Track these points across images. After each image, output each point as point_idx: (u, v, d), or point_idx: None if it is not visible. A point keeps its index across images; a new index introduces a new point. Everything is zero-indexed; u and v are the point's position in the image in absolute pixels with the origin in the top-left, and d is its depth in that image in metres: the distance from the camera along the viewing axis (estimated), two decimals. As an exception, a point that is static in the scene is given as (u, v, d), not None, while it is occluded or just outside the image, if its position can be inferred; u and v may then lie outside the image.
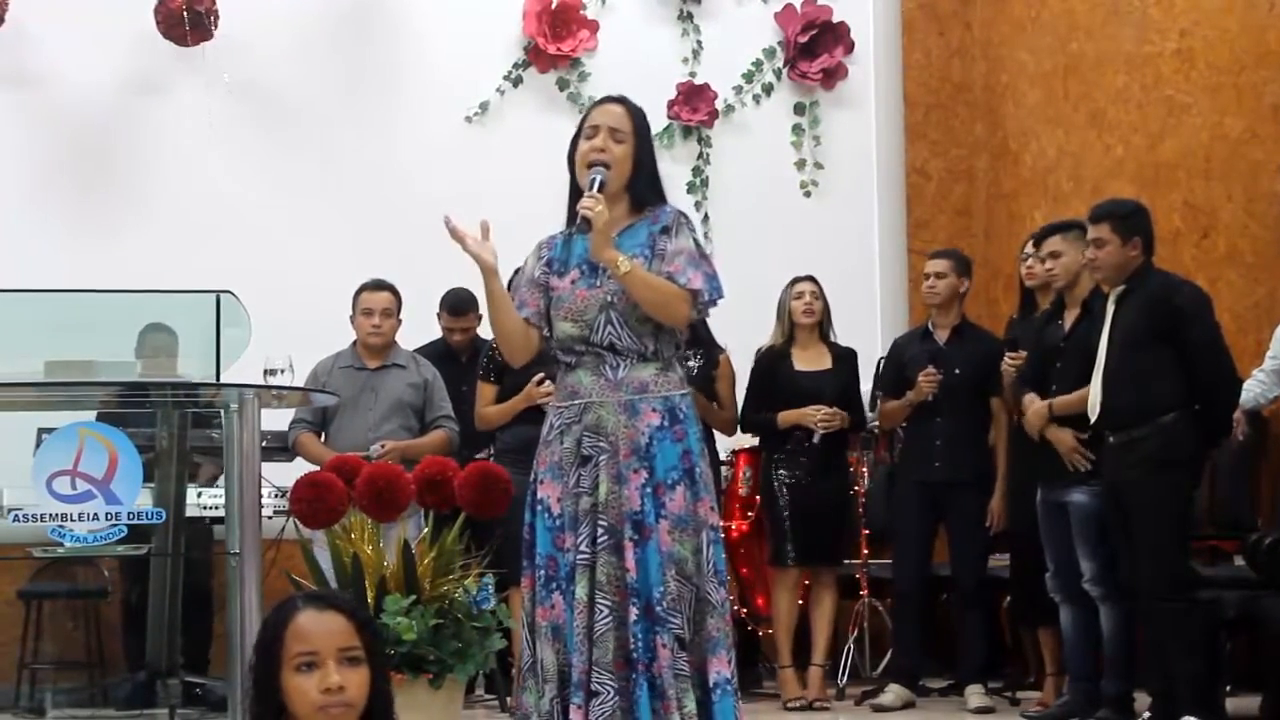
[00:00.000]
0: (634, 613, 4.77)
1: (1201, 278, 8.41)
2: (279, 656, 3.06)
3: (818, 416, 8.38)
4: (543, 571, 4.92)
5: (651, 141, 5.22)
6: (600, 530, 4.85)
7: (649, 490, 4.87)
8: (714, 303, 5.11)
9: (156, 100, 9.87)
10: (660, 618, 4.79)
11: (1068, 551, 7.41)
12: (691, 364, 8.45)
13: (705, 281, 5.02)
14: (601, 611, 4.79)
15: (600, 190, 4.95)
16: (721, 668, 4.87)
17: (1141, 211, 7.24)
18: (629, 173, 5.09)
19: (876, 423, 8.83)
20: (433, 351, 8.88)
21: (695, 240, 5.09)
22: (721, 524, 5.10)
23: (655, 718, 4.77)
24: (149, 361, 6.40)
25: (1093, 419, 7.13)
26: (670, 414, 4.97)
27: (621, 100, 5.24)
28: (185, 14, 9.48)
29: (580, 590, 4.81)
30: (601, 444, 4.93)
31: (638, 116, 5.17)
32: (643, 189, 5.12)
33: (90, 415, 6.66)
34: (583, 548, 4.85)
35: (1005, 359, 7.98)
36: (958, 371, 8.37)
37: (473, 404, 8.44)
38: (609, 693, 4.75)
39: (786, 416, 8.47)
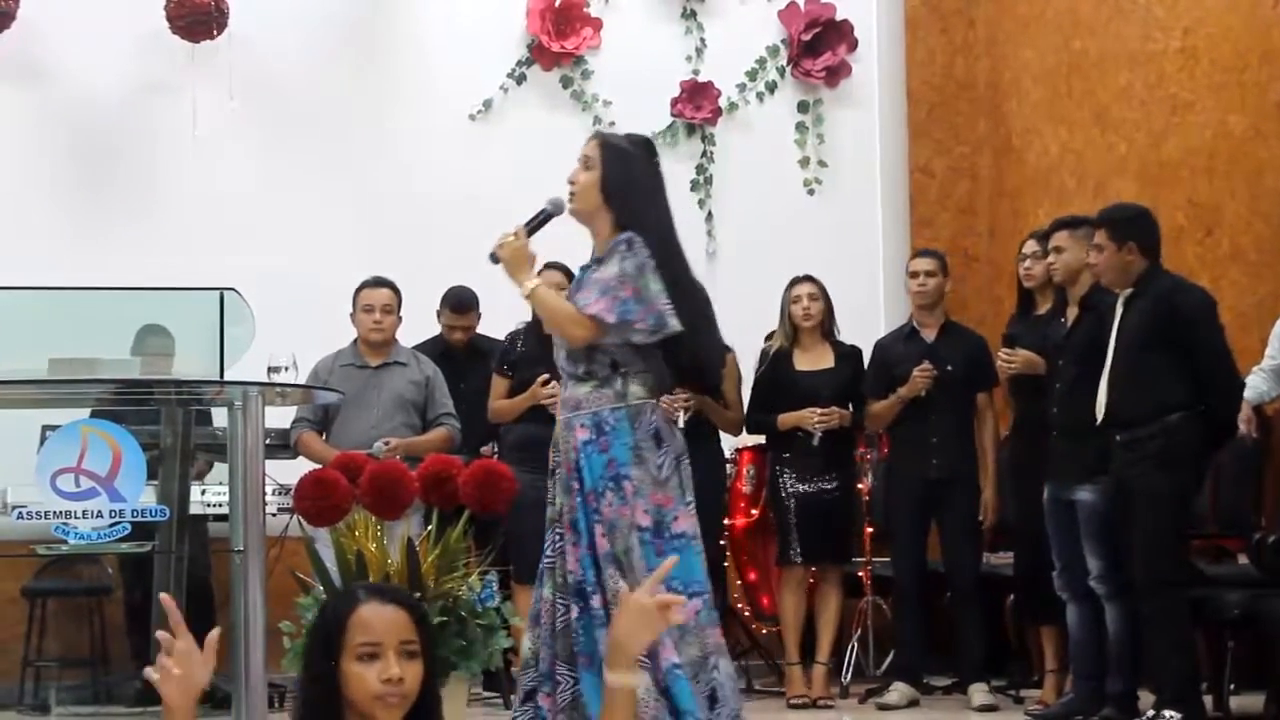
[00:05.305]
0: (575, 610, 5.30)
1: (1205, 276, 8.42)
2: (340, 644, 3.17)
3: (814, 419, 8.38)
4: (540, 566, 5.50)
5: (628, 169, 5.58)
6: (557, 536, 5.43)
7: (580, 500, 5.39)
8: (629, 324, 5.40)
9: (162, 99, 9.85)
10: (596, 614, 5.26)
11: (1075, 549, 7.41)
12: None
13: (610, 305, 5.38)
14: (561, 610, 5.33)
15: (542, 222, 5.60)
16: (669, 655, 5.20)
17: (1140, 217, 7.26)
18: (599, 196, 5.55)
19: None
20: (429, 349, 8.88)
21: (624, 267, 5.41)
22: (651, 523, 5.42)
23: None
24: (146, 361, 6.39)
25: (1100, 419, 7.14)
26: (597, 428, 5.43)
27: (597, 134, 5.82)
28: (214, 11, 9.50)
29: (546, 590, 5.41)
30: (558, 458, 5.51)
31: (607, 149, 5.62)
32: (617, 211, 5.54)
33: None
34: (547, 552, 5.45)
35: (1000, 355, 7.99)
36: (950, 368, 8.39)
37: (471, 401, 8.47)
38: (568, 683, 5.30)
39: (785, 419, 8.47)
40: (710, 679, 5.33)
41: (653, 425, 5.48)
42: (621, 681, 3.54)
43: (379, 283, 8.50)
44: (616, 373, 5.47)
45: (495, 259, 5.56)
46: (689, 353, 5.61)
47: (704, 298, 5.70)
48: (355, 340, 8.53)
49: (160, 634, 3.20)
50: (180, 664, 3.16)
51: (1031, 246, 8.16)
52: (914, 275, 8.67)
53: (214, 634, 3.23)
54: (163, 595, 3.27)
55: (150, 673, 3.18)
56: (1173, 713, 6.80)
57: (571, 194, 5.58)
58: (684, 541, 5.37)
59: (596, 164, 5.56)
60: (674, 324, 5.43)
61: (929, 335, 8.56)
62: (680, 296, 5.48)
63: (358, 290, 8.52)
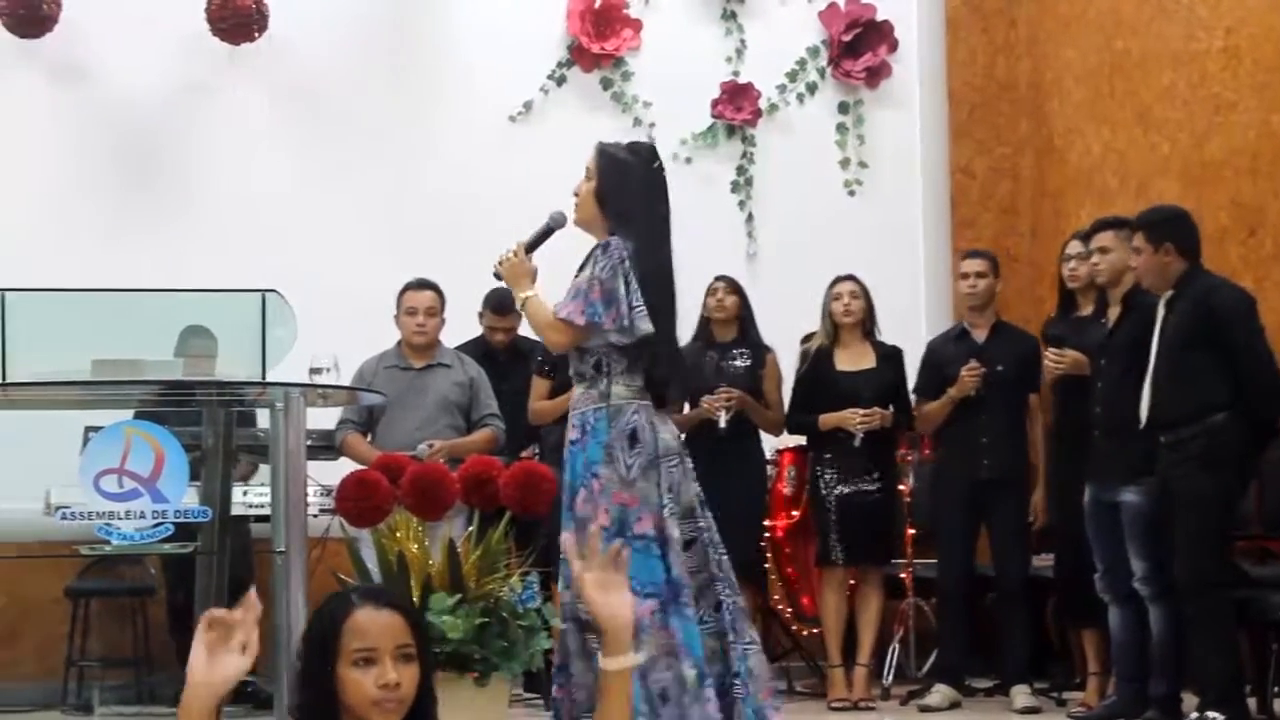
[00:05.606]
0: None
1: (1248, 276, 8.38)
2: (335, 650, 3.17)
3: (856, 419, 8.36)
4: None
5: (623, 176, 5.79)
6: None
7: (565, 496, 5.69)
8: (598, 326, 5.61)
9: (204, 100, 9.90)
10: (568, 604, 5.52)
11: (1117, 551, 7.38)
12: (739, 364, 8.50)
13: (580, 308, 5.61)
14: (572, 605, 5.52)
15: (542, 237, 5.86)
16: None
17: (1175, 218, 7.25)
18: (595, 204, 5.79)
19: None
20: (471, 350, 8.89)
21: (596, 270, 5.63)
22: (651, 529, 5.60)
23: None
24: (189, 362, 6.41)
25: (1143, 420, 7.12)
26: (582, 428, 5.68)
27: (597, 145, 5.90)
28: (254, 13, 9.55)
29: (560, 585, 5.66)
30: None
31: (603, 157, 5.83)
32: (612, 219, 5.75)
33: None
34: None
35: (1048, 355, 7.96)
36: (1000, 369, 8.37)
37: (512, 403, 8.47)
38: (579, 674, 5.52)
39: (826, 419, 8.46)
40: (661, 679, 5.40)
41: (630, 425, 5.63)
42: (617, 666, 3.54)
43: (422, 285, 8.50)
44: (601, 373, 5.69)
45: (498, 276, 5.94)
46: (653, 357, 5.74)
47: (672, 306, 5.85)
48: (399, 342, 8.54)
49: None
50: (212, 647, 3.10)
51: (1076, 247, 8.14)
52: (964, 276, 8.66)
53: (255, 636, 3.15)
54: (251, 591, 3.22)
55: (209, 617, 3.11)
56: (1216, 714, 6.78)
57: (576, 205, 5.82)
58: (645, 543, 5.50)
59: (594, 174, 5.79)
60: (644, 326, 5.60)
61: (980, 336, 8.54)
62: (652, 303, 5.64)
63: (401, 292, 8.53)
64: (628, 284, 5.59)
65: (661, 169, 5.92)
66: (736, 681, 5.59)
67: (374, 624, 3.18)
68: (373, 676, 3.14)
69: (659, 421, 5.72)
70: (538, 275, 5.94)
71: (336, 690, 3.15)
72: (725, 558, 5.83)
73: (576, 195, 5.83)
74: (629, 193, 5.77)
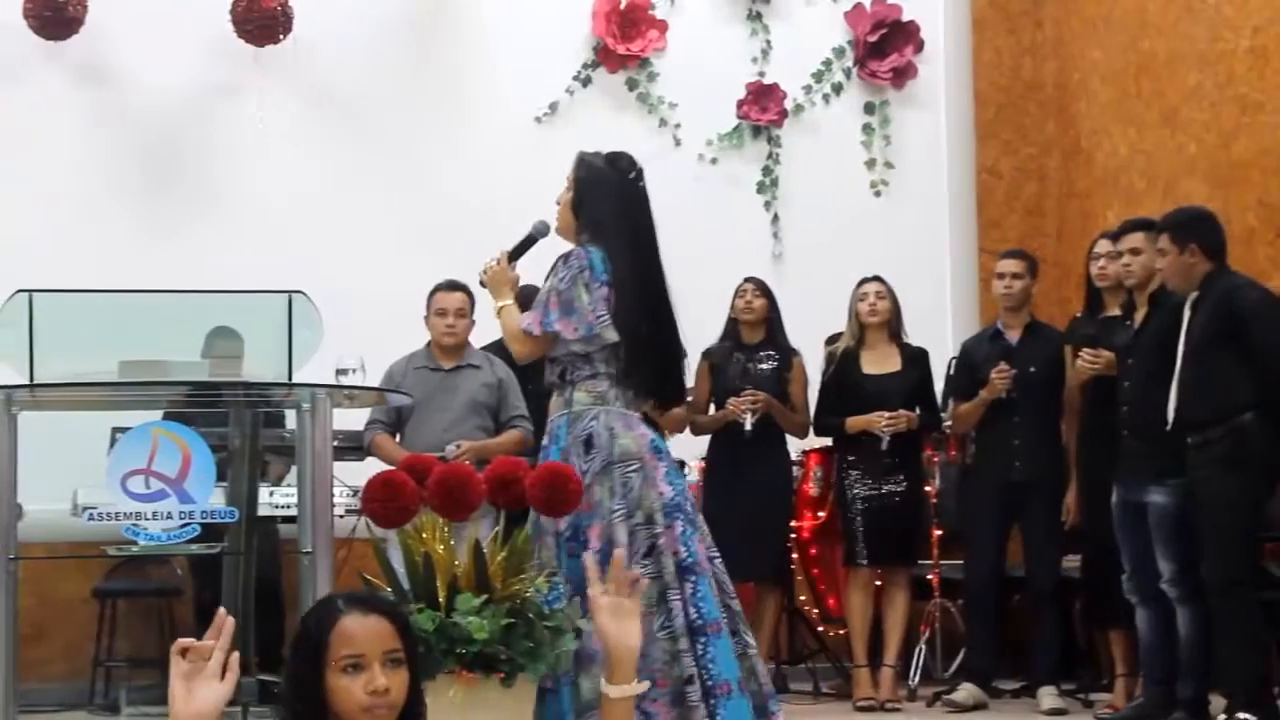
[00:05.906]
0: None
1: (1276, 277, 8.35)
2: (323, 657, 3.15)
3: (882, 423, 8.35)
4: None
5: (597, 186, 5.90)
6: None
7: None
8: (556, 335, 5.72)
9: (229, 101, 9.91)
10: None
11: (1144, 552, 7.35)
12: (765, 366, 8.50)
13: (538, 319, 5.73)
14: None
15: (526, 246, 6.02)
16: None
17: (1199, 219, 7.24)
18: (570, 214, 5.92)
19: (949, 424, 8.79)
20: (499, 351, 8.87)
21: (554, 281, 5.75)
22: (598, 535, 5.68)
23: None
24: (215, 363, 6.43)
25: (1170, 421, 7.10)
26: (551, 435, 5.82)
27: (578, 155, 6.04)
28: (279, 15, 9.57)
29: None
30: None
31: (580, 167, 5.97)
32: (587, 229, 5.86)
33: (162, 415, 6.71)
34: None
35: (1084, 355, 7.92)
36: (1033, 370, 8.34)
37: (540, 404, 8.47)
38: None
39: (853, 423, 8.45)
40: (597, 685, 5.40)
41: (586, 431, 5.70)
42: (619, 694, 3.54)
43: (452, 286, 8.49)
44: (564, 381, 5.80)
45: (484, 284, 6.08)
46: (629, 362, 5.77)
47: (653, 311, 5.84)
48: (429, 343, 8.53)
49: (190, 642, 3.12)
50: (189, 677, 3.11)
51: (1105, 246, 8.11)
52: (1000, 276, 8.63)
53: (234, 658, 3.13)
54: (220, 610, 3.21)
55: (179, 646, 3.12)
56: (1248, 716, 6.75)
57: (556, 214, 5.96)
58: (564, 538, 5.67)
59: (571, 184, 5.92)
60: (609, 335, 5.68)
61: (1013, 337, 8.51)
62: (625, 309, 5.69)
63: (431, 293, 8.52)
64: (589, 292, 5.65)
65: (640, 179, 5.96)
66: (690, 689, 5.54)
67: (362, 630, 3.16)
68: (361, 683, 3.12)
69: (621, 426, 5.72)
70: (519, 284, 6.08)
71: (326, 697, 3.14)
72: (719, 560, 5.83)
73: (558, 204, 5.95)
74: (602, 203, 5.85)
